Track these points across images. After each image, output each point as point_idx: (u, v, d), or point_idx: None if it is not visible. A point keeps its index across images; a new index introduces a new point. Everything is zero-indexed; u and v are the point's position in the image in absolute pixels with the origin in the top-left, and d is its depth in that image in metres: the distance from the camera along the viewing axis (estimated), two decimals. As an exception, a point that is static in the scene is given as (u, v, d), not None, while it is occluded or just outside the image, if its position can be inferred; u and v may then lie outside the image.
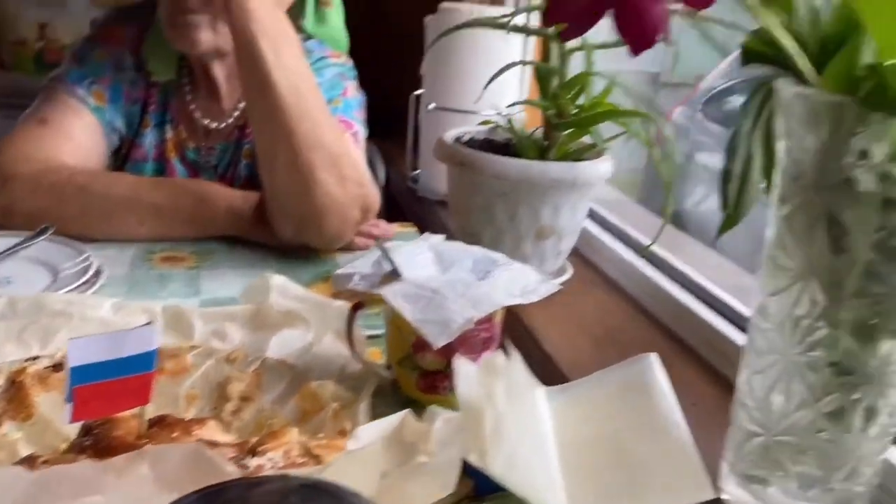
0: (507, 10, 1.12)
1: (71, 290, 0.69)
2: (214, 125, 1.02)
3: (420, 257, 0.61)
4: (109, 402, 0.43)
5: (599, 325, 0.78)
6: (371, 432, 0.47)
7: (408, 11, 1.64)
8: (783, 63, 0.46)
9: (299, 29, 1.03)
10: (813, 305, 0.45)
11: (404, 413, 0.50)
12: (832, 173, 0.42)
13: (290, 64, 0.84)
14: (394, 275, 0.58)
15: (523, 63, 0.80)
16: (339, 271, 0.61)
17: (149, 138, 1.02)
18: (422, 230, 1.03)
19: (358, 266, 0.61)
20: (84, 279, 0.71)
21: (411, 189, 1.20)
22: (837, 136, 0.42)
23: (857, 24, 0.41)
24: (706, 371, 0.70)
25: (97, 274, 0.74)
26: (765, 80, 0.50)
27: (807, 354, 0.45)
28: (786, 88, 0.44)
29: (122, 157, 1.02)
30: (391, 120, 1.26)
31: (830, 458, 0.46)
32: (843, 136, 0.41)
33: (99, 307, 0.64)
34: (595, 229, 0.94)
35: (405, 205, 1.23)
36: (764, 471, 0.49)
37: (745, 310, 0.74)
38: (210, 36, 0.91)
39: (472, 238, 0.81)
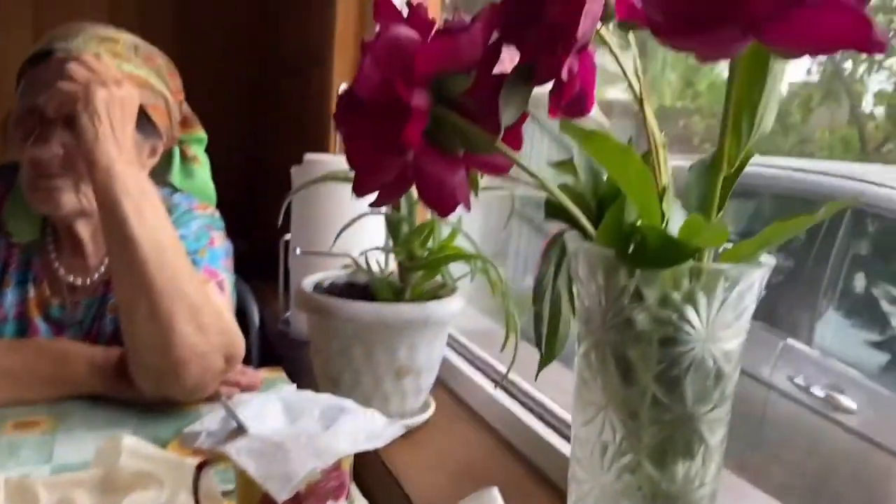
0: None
1: None
2: (79, 282, 1.02)
3: (268, 409, 0.63)
4: None
5: (459, 460, 0.80)
6: None
7: (279, 160, 1.72)
8: (573, 219, 0.53)
9: (166, 183, 1.07)
10: (615, 433, 0.49)
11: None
12: (614, 315, 0.48)
13: (152, 220, 0.86)
14: (240, 430, 0.59)
15: (374, 213, 0.86)
16: (186, 430, 0.62)
17: (9, 297, 1.00)
18: (293, 372, 1.04)
19: (206, 423, 0.62)
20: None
21: (283, 331, 1.22)
22: (614, 284, 0.48)
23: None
24: (560, 498, 0.73)
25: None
26: (560, 231, 0.56)
27: (617, 480, 0.49)
28: (571, 242, 0.51)
29: None
30: (265, 262, 1.29)
31: (646, 578, 0.49)
32: (619, 284, 0.47)
33: (-69, 485, 0.61)
34: (456, 360, 0.98)
35: (279, 346, 1.24)
36: None
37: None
38: (73, 198, 0.93)
39: (332, 381, 0.84)
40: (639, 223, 0.47)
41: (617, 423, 0.49)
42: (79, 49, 0.91)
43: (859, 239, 2.09)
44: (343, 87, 1.19)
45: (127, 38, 0.98)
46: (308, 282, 0.89)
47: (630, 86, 0.51)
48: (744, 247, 0.47)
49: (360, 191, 0.49)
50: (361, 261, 0.89)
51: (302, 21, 1.56)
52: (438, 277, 0.88)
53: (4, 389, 0.86)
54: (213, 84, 1.91)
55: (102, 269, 1.02)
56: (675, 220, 0.48)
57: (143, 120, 0.95)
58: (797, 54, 0.35)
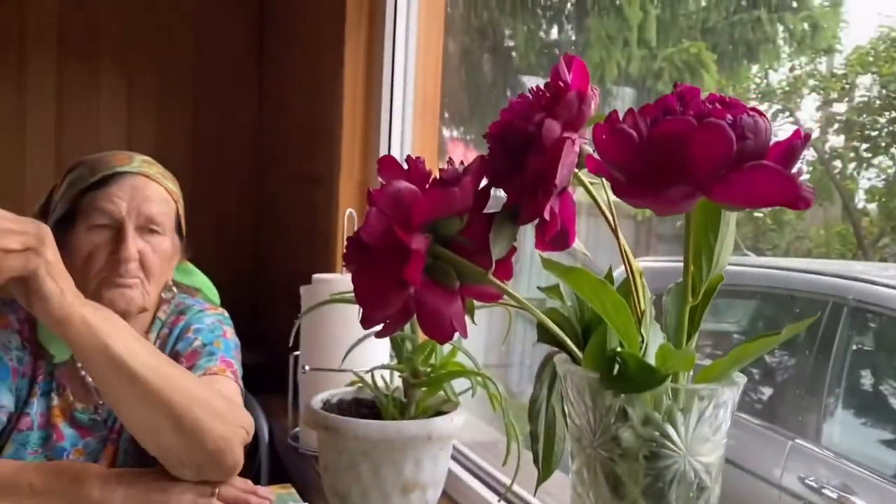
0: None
1: None
2: None
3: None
4: None
5: (466, 574, 0.82)
6: None
7: (287, 278, 1.79)
8: (561, 342, 0.58)
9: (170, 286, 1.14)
10: (608, 547, 0.52)
11: None
12: (602, 433, 0.52)
13: (137, 346, 0.89)
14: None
15: (371, 334, 0.91)
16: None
17: (35, 407, 1.05)
18: (303, 488, 1.07)
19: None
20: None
21: (293, 446, 1.25)
22: (601, 404, 0.52)
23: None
24: None
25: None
26: (550, 353, 0.61)
27: (614, 593, 0.52)
28: (560, 365, 0.55)
29: (7, 430, 1.03)
30: (271, 376, 1.33)
31: None
32: (604, 404, 0.52)
33: None
34: (461, 472, 1.00)
35: (287, 461, 1.26)
36: None
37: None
38: (140, 296, 1.04)
39: (341, 497, 0.86)
40: (619, 349, 0.52)
41: (610, 536, 0.52)
42: (139, 169, 1.07)
43: (860, 335, 2.11)
44: (350, 212, 1.27)
45: (159, 167, 1.13)
46: (317, 399, 0.93)
47: (606, 219, 0.57)
48: (717, 366, 0.52)
49: (367, 323, 0.54)
50: (368, 378, 0.93)
51: (310, 141, 1.66)
52: (441, 392, 0.92)
53: None
54: (220, 201, 2.02)
55: None
56: (654, 343, 0.53)
57: (179, 228, 1.11)
58: (739, 208, 0.41)
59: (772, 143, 0.41)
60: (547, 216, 0.53)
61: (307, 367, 1.17)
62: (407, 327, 0.91)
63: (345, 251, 0.57)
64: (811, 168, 2.34)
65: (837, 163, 2.24)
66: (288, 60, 1.94)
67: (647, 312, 0.55)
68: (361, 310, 0.54)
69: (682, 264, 0.54)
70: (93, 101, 2.19)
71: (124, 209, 1.03)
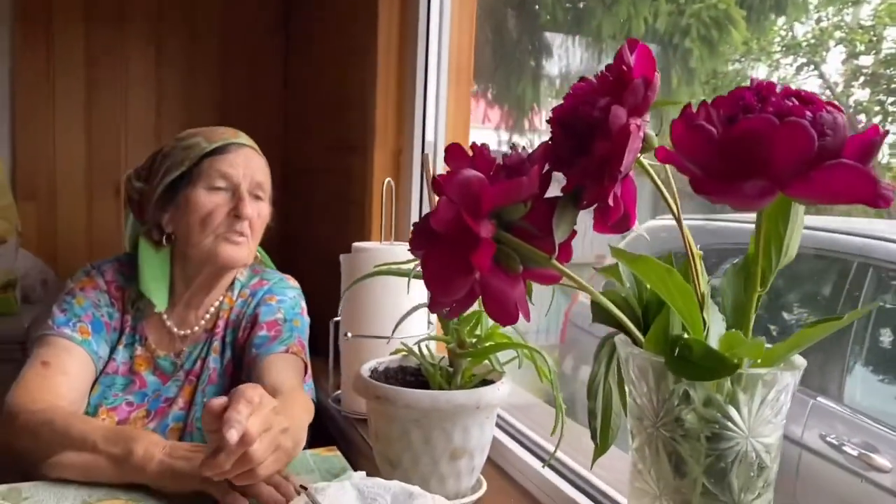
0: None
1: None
2: (184, 332, 1.22)
3: (343, 497, 0.69)
4: None
5: (514, 537, 0.85)
6: None
7: (319, 246, 1.81)
8: (620, 324, 0.59)
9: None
10: (669, 522, 0.54)
11: None
12: (665, 413, 0.54)
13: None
14: (322, 519, 0.65)
15: (423, 305, 0.93)
16: (269, 518, 0.68)
17: (121, 355, 1.20)
18: (346, 450, 1.10)
19: (288, 511, 0.68)
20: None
21: (335, 408, 1.28)
22: (663, 386, 0.54)
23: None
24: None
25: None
26: (610, 334, 0.63)
27: (673, 564, 0.55)
28: (622, 347, 0.57)
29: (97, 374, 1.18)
30: (312, 340, 1.36)
31: None
32: (668, 387, 0.54)
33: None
34: (504, 439, 1.03)
35: (329, 423, 1.30)
36: None
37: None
38: (250, 252, 1.19)
39: (391, 463, 0.89)
40: (683, 334, 0.54)
41: (671, 512, 0.54)
42: (248, 143, 1.22)
43: (884, 294, 2.11)
44: (388, 181, 1.28)
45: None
46: (365, 368, 0.95)
47: (668, 205, 0.58)
48: (778, 350, 0.53)
49: (435, 307, 0.56)
50: (415, 349, 0.95)
51: (342, 110, 1.66)
52: (486, 362, 0.94)
53: (76, 468, 0.94)
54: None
55: (207, 317, 1.23)
56: (715, 327, 0.55)
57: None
58: (815, 203, 0.42)
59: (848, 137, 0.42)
60: (611, 202, 0.54)
61: (350, 334, 1.19)
62: (453, 299, 0.93)
63: (412, 236, 0.58)
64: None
65: (862, 117, 2.22)
66: (318, 28, 1.92)
67: (706, 296, 0.57)
68: (430, 294, 0.56)
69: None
70: (120, 69, 2.19)
71: (241, 174, 1.17)
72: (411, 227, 1.42)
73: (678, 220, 0.57)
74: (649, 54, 0.55)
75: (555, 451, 0.87)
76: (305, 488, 0.66)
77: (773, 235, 0.48)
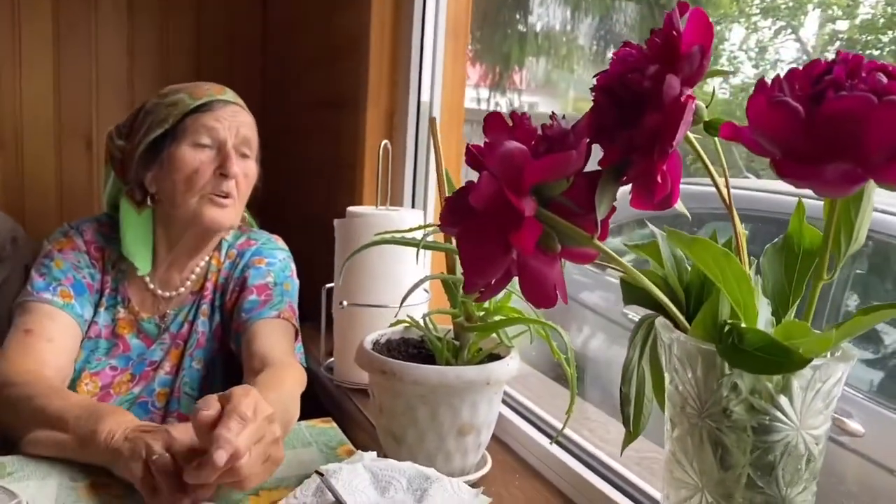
0: (409, 213, 1.22)
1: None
2: (168, 294, 1.19)
3: (358, 480, 0.66)
4: None
5: (522, 514, 0.83)
6: None
7: (305, 209, 1.75)
8: (658, 306, 0.56)
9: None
10: (710, 514, 0.52)
11: None
12: (712, 404, 0.51)
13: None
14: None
15: (433, 277, 0.89)
16: (282, 501, 0.65)
17: (102, 317, 1.17)
18: (340, 420, 1.07)
19: (300, 496, 0.64)
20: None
21: (327, 377, 1.25)
22: (711, 375, 0.51)
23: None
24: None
25: (25, 518, 0.73)
26: (646, 316, 0.60)
27: (711, 557, 0.53)
28: (664, 332, 0.54)
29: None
30: (302, 305, 1.32)
31: None
32: (715, 375, 0.51)
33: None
34: (510, 414, 1.01)
35: (320, 391, 1.27)
36: None
37: (651, 490, 0.82)
38: (236, 215, 1.16)
39: (396, 438, 0.86)
40: (732, 319, 0.51)
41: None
42: (234, 99, 1.17)
43: (858, 259, 2.13)
44: (385, 143, 1.23)
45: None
46: (368, 341, 0.92)
47: (715, 185, 0.55)
48: (828, 338, 0.50)
49: (469, 288, 0.52)
50: (421, 322, 0.91)
51: (331, 64, 1.59)
52: (493, 335, 0.91)
53: (49, 446, 0.89)
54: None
55: (192, 278, 1.20)
56: (762, 312, 0.52)
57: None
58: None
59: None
60: (660, 178, 0.51)
61: (345, 303, 1.15)
62: (459, 271, 0.89)
63: (443, 211, 0.54)
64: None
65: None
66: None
67: (751, 278, 0.54)
68: (465, 274, 0.52)
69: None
70: (90, 13, 2.08)
71: (227, 129, 1.13)
72: (406, 192, 1.36)
73: (728, 203, 0.54)
74: (704, 19, 0.51)
75: (563, 428, 0.85)
76: (321, 473, 0.63)
77: (844, 221, 0.45)
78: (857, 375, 1.94)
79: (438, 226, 0.55)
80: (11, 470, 0.87)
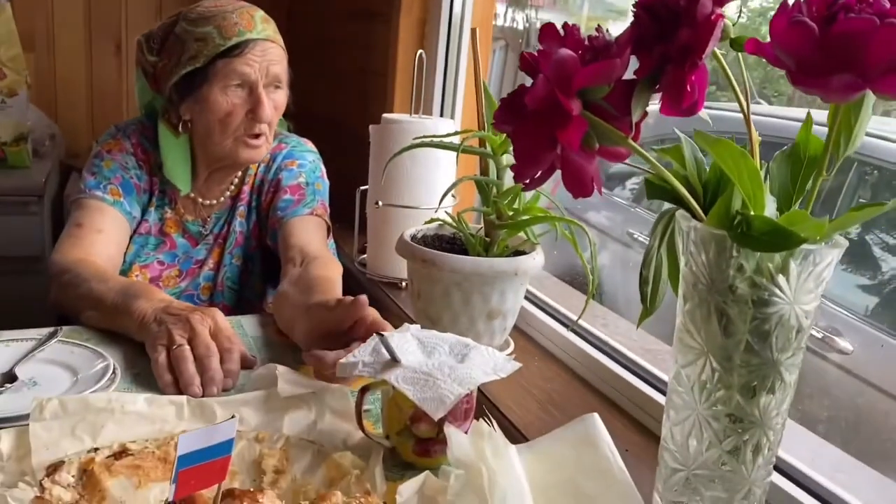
0: (441, 121, 1.30)
1: (95, 390, 0.79)
2: (210, 202, 1.29)
3: (407, 345, 0.76)
4: (201, 481, 0.55)
5: (541, 390, 0.94)
6: (408, 489, 0.61)
7: (335, 115, 1.81)
8: (678, 200, 0.65)
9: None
10: (712, 373, 0.62)
11: (425, 474, 0.64)
12: (720, 281, 0.61)
13: None
14: (393, 362, 0.72)
15: (470, 178, 0.97)
16: (342, 360, 0.75)
17: (152, 216, 1.27)
18: (375, 309, 1.17)
19: (359, 355, 0.75)
20: (106, 378, 0.81)
21: (360, 271, 1.35)
22: (721, 257, 0.60)
23: (728, 177, 0.61)
24: (631, 423, 0.87)
25: (115, 373, 0.84)
26: (666, 210, 0.69)
27: (711, 409, 0.63)
28: (683, 221, 0.63)
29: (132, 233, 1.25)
30: (332, 206, 1.41)
31: (732, 483, 0.63)
32: (725, 257, 0.60)
33: (134, 402, 0.75)
34: (530, 307, 1.11)
35: (353, 284, 1.37)
36: (685, 497, 0.66)
37: (655, 370, 0.93)
38: (268, 148, 1.22)
39: (432, 320, 0.97)
40: (742, 210, 0.60)
41: (715, 365, 0.62)
42: (264, 34, 1.17)
43: (862, 188, 2.20)
44: (420, 53, 1.29)
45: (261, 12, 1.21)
46: (407, 234, 1.01)
47: (737, 97, 0.63)
48: (823, 227, 0.59)
49: (519, 178, 0.61)
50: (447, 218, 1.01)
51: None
52: (521, 234, 1.00)
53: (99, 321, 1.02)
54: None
55: (231, 188, 1.29)
56: (769, 207, 0.61)
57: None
58: (892, 99, 0.47)
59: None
60: (689, 87, 0.59)
61: (380, 203, 1.24)
62: (493, 173, 0.98)
63: (498, 111, 0.62)
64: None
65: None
66: None
67: (761, 175, 0.62)
68: (516, 166, 0.61)
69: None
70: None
71: (258, 71, 1.16)
72: (436, 101, 1.43)
73: (746, 112, 0.62)
74: (737, -55, 0.58)
75: (580, 315, 0.95)
76: (381, 334, 0.73)
77: (844, 126, 0.54)
78: (852, 300, 2.04)
79: (493, 124, 0.63)
80: (88, 336, 0.98)
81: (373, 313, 0.87)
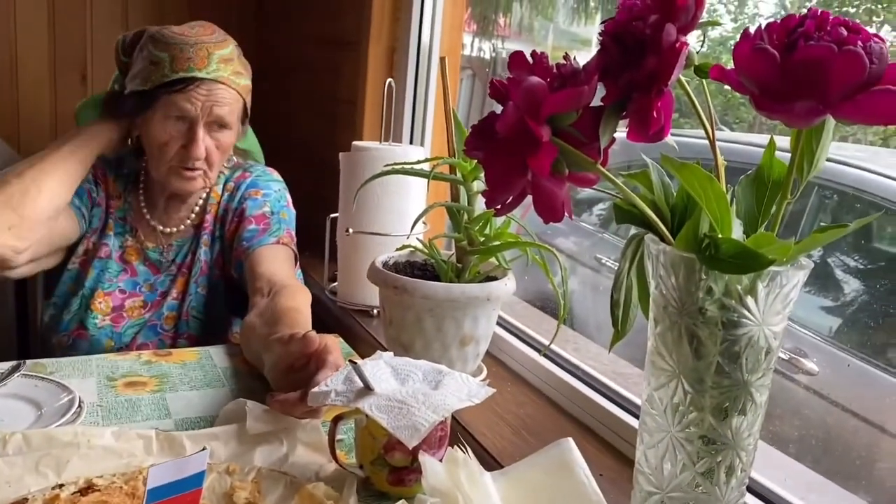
0: (412, 148, 1.30)
1: (60, 423, 0.77)
2: (170, 229, 1.28)
3: (381, 372, 0.76)
4: (171, 516, 0.54)
5: (515, 415, 0.94)
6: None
7: (302, 143, 1.81)
8: (647, 224, 0.66)
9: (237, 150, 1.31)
10: (685, 395, 0.63)
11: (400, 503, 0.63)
12: (690, 304, 0.61)
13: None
14: (367, 390, 0.71)
15: (439, 205, 0.98)
16: (315, 389, 0.74)
17: (112, 241, 1.27)
18: (346, 337, 1.17)
19: (331, 384, 0.74)
20: (71, 412, 0.79)
21: (331, 299, 1.34)
22: (690, 280, 0.61)
23: (695, 201, 0.62)
24: (605, 447, 0.87)
25: (80, 406, 0.82)
26: (635, 234, 0.70)
27: (684, 431, 0.63)
28: (652, 245, 0.64)
29: (90, 252, 1.25)
30: (301, 234, 1.40)
31: (706, 505, 0.63)
32: (694, 279, 0.61)
33: (101, 436, 0.73)
34: (502, 333, 1.11)
35: (323, 312, 1.36)
36: (661, 520, 0.66)
37: (628, 394, 0.94)
38: (202, 182, 1.22)
39: (405, 347, 0.96)
40: (710, 233, 0.61)
41: (687, 387, 0.63)
42: (216, 75, 1.16)
43: (823, 212, 2.25)
44: (390, 81, 1.30)
45: (233, 48, 1.21)
46: (378, 261, 1.01)
47: (700, 120, 0.64)
48: (788, 249, 0.61)
49: (490, 203, 0.62)
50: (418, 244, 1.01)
51: (333, 1, 1.64)
52: (492, 259, 1.00)
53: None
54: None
55: (192, 216, 1.28)
56: (735, 230, 0.62)
57: (245, 115, 1.24)
58: (855, 124, 0.48)
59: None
60: (655, 113, 0.60)
61: (351, 230, 1.24)
62: (463, 200, 0.99)
63: (469, 138, 0.63)
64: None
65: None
66: None
67: (727, 199, 0.63)
68: (487, 191, 0.61)
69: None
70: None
71: (199, 109, 1.15)
72: (405, 128, 1.44)
73: (710, 136, 0.63)
74: (699, -25, 0.60)
75: (552, 340, 0.95)
76: (354, 362, 0.73)
77: (806, 150, 0.55)
78: (816, 322, 2.08)
79: (464, 151, 0.63)
80: (52, 370, 0.96)
81: (328, 344, 0.85)
